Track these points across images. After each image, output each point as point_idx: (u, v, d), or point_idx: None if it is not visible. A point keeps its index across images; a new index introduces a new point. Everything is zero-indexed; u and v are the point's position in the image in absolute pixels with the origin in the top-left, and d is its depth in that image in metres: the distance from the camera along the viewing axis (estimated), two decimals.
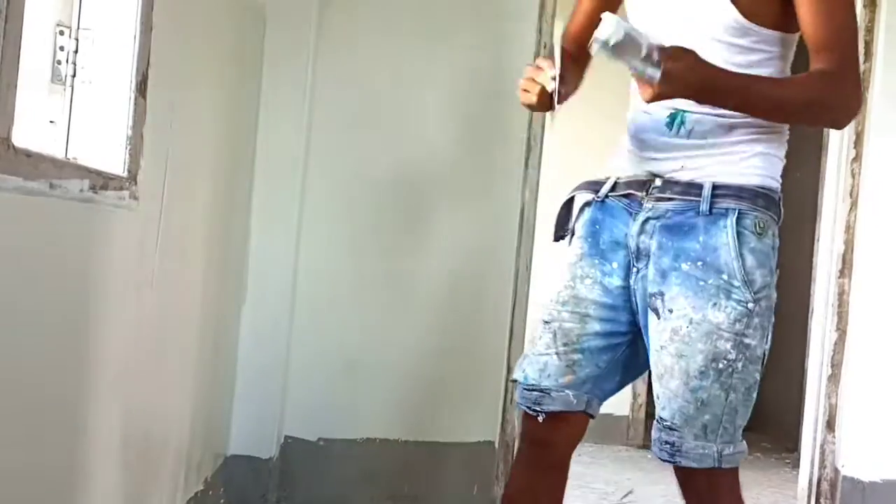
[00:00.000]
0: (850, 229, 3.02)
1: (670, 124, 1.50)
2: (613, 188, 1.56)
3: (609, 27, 1.33)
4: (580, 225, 1.60)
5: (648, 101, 1.40)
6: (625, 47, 1.35)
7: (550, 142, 3.06)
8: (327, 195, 2.80)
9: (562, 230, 1.64)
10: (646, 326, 1.51)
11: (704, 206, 1.45)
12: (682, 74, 1.36)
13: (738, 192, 1.46)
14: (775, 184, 1.51)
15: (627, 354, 1.56)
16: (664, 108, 1.49)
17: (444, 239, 2.84)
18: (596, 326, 1.54)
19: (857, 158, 3.03)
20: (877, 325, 2.95)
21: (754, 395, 1.49)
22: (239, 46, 2.51)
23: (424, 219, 2.85)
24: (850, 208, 3.02)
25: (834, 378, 3.03)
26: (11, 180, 1.19)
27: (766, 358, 1.49)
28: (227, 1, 2.33)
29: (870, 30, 3.00)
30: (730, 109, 1.46)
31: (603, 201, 1.57)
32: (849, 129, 2.98)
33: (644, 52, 1.35)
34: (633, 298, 1.53)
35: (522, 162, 2.84)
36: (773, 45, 1.49)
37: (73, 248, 1.46)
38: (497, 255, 2.84)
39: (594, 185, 1.60)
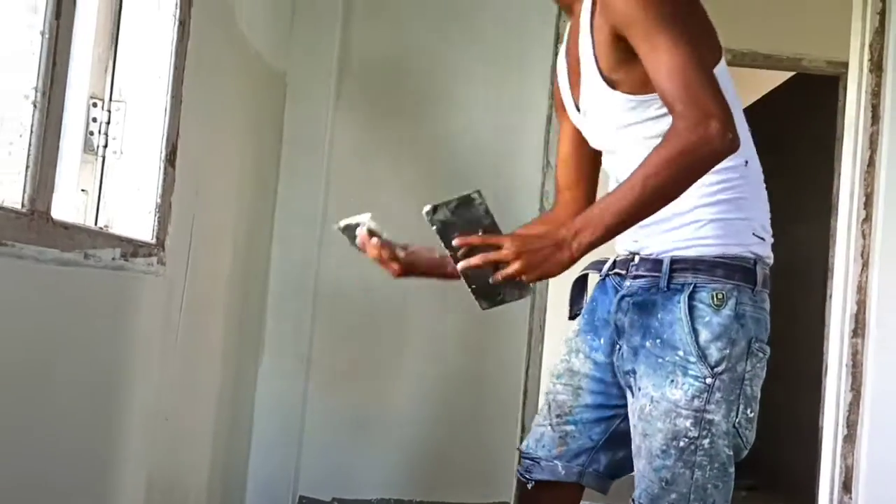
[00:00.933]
0: (862, 290, 3.03)
1: None
2: (612, 266, 1.59)
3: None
4: (587, 301, 1.64)
5: (527, 277, 1.36)
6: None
7: None
8: (343, 260, 2.84)
9: (576, 307, 1.67)
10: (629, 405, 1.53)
11: (663, 282, 1.46)
12: (525, 247, 1.33)
13: (695, 265, 1.45)
14: (740, 250, 1.46)
15: (625, 429, 1.53)
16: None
17: (456, 301, 2.87)
18: (588, 399, 1.56)
19: (868, 219, 3.06)
20: (892, 384, 2.95)
21: (731, 470, 1.45)
22: (261, 113, 2.58)
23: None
24: (862, 269, 3.04)
25: (850, 438, 3.02)
26: (50, 252, 1.24)
27: (742, 430, 1.45)
28: (249, 71, 2.40)
29: (876, 94, 3.05)
30: (614, 233, 1.41)
31: (604, 280, 1.61)
32: (858, 190, 3.01)
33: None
34: (618, 375, 1.54)
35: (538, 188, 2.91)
36: (643, 108, 1.45)
37: (104, 314, 1.50)
38: (510, 317, 2.87)
39: (599, 265, 1.63)
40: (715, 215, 1.45)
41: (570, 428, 1.56)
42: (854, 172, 3.10)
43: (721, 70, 1.46)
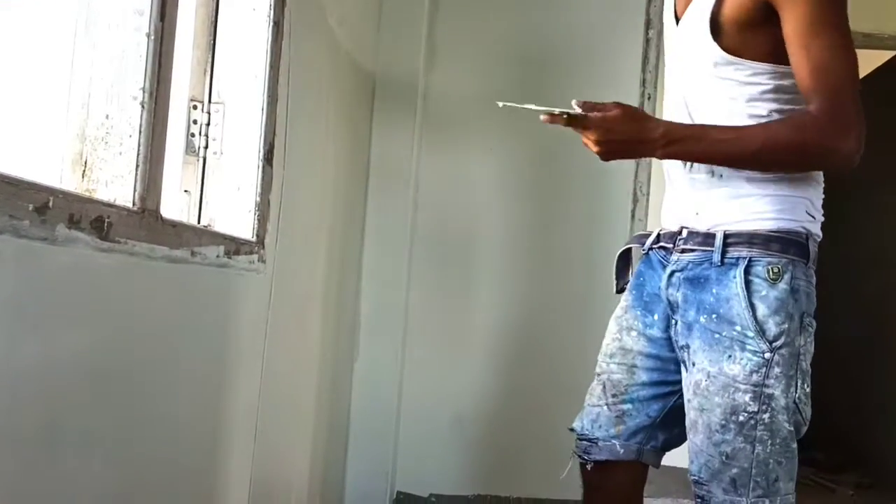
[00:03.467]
0: None
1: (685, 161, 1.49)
2: (657, 240, 1.58)
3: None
4: (632, 277, 1.64)
5: (603, 159, 1.40)
6: None
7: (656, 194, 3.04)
8: (433, 255, 2.85)
9: (622, 281, 1.67)
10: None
11: (716, 257, 1.44)
12: (606, 124, 1.34)
13: (750, 239, 1.43)
14: (795, 225, 1.44)
15: (682, 404, 1.52)
16: (688, 175, 1.50)
17: (547, 294, 2.84)
18: (643, 377, 1.57)
19: None
20: None
21: (793, 446, 1.43)
22: (352, 112, 2.61)
23: (527, 273, 2.86)
24: None
25: None
26: (160, 249, 1.27)
27: (801, 405, 1.42)
28: (340, 70, 2.42)
29: None
30: (697, 160, 1.43)
31: (647, 254, 1.60)
32: None
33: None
34: (675, 349, 1.53)
35: (629, 214, 2.84)
36: (768, 78, 1.42)
37: (211, 311, 1.53)
38: (600, 307, 2.82)
39: (642, 238, 1.63)
40: (772, 191, 1.44)
41: (626, 407, 1.57)
42: None
43: None
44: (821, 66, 1.34)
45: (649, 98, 2.80)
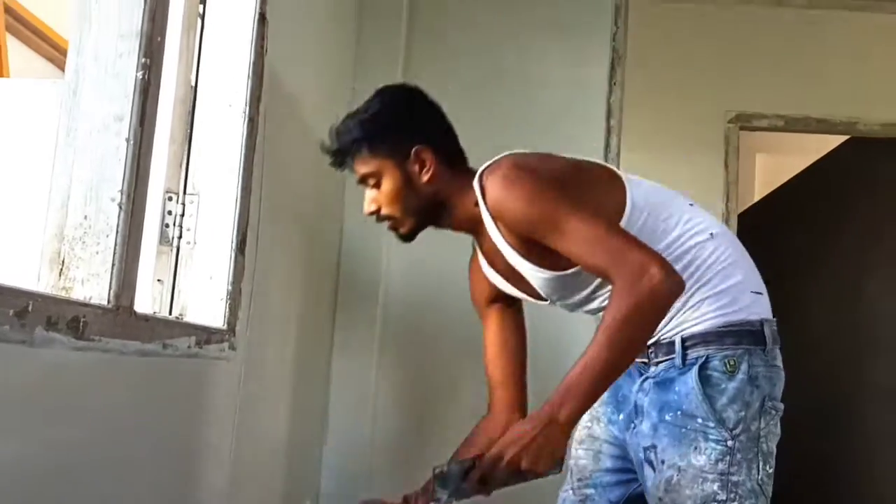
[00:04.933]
0: None
1: None
2: None
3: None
4: None
5: (538, 471, 1.41)
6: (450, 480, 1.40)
7: None
8: (403, 341, 2.87)
9: None
10: (643, 480, 1.57)
11: (678, 361, 1.51)
12: (507, 445, 1.38)
13: (705, 338, 1.50)
14: (743, 315, 1.51)
15: (642, 492, 1.58)
16: None
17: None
18: (607, 463, 1.64)
19: None
20: None
21: None
22: (324, 196, 2.67)
23: None
24: None
25: None
26: (132, 344, 1.31)
27: (764, 486, 1.48)
28: (314, 157, 2.49)
29: None
30: (594, 400, 1.45)
31: None
32: None
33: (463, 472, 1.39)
34: (629, 451, 1.60)
35: None
36: (583, 277, 1.52)
37: (181, 400, 1.56)
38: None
39: None
40: (710, 291, 1.51)
41: (590, 491, 1.65)
42: None
43: (645, 192, 1.55)
44: (586, 251, 1.42)
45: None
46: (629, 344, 1.42)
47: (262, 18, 1.86)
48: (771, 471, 1.50)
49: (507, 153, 1.59)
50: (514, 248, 1.54)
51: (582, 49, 2.97)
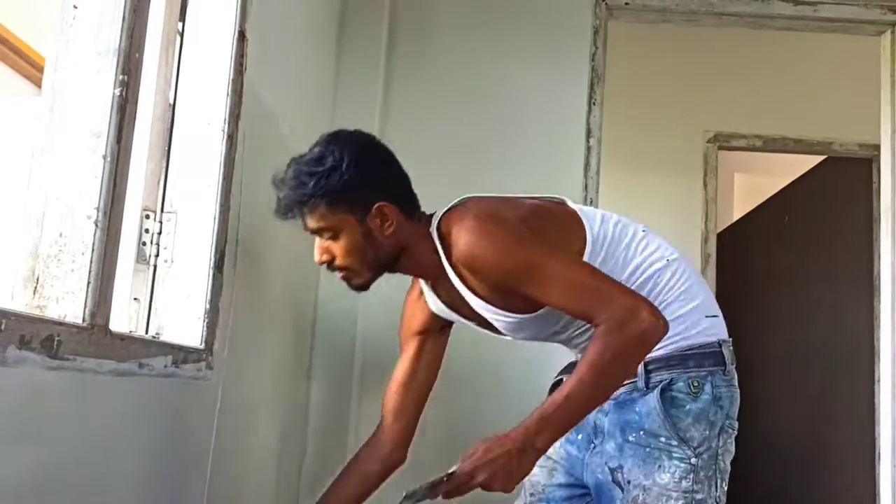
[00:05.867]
0: None
1: None
2: None
3: None
4: None
5: (508, 489, 1.43)
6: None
7: None
8: (382, 360, 2.86)
9: None
10: (598, 498, 1.59)
11: (641, 383, 1.54)
12: (479, 462, 1.39)
13: (668, 362, 1.53)
14: (702, 338, 1.54)
15: None
16: None
17: (494, 409, 2.83)
18: (560, 478, 1.67)
19: None
20: None
21: None
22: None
23: (474, 382, 2.89)
24: None
25: None
26: (107, 363, 1.29)
27: (721, 503, 1.53)
28: None
29: None
30: (568, 429, 1.48)
31: None
32: None
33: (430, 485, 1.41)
34: (583, 471, 1.62)
35: None
36: (553, 315, 1.54)
37: (158, 421, 1.54)
38: None
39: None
40: (670, 316, 1.51)
41: None
42: (895, 253, 3.09)
43: (601, 225, 1.57)
44: (569, 297, 1.43)
45: (591, 202, 2.90)
46: (612, 382, 1.45)
47: (241, 36, 1.85)
48: (725, 487, 1.54)
49: (465, 198, 1.58)
50: (479, 296, 1.55)
51: (561, 69, 2.99)
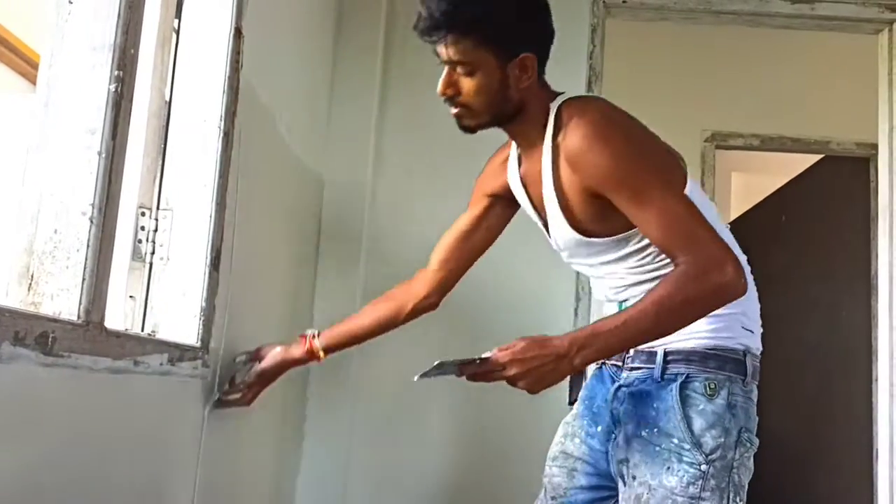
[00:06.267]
0: None
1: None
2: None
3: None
4: (583, 388, 1.70)
5: (532, 391, 1.40)
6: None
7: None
8: (380, 357, 2.85)
9: (574, 393, 1.73)
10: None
11: (657, 373, 1.50)
12: (516, 357, 1.36)
13: (688, 357, 1.49)
14: (730, 342, 1.50)
15: None
16: (615, 301, 1.58)
17: (496, 409, 2.81)
18: (582, 480, 1.62)
19: None
20: None
21: None
22: (301, 216, 2.65)
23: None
24: None
25: None
26: (102, 361, 1.28)
27: None
28: (289, 174, 2.48)
29: None
30: (611, 356, 1.47)
31: (600, 368, 1.67)
32: None
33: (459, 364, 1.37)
34: (610, 463, 1.57)
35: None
36: (622, 246, 1.50)
37: (153, 419, 1.53)
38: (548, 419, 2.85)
39: None
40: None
41: None
42: (892, 253, 3.09)
43: (695, 192, 1.50)
44: (665, 226, 1.39)
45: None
46: (673, 325, 1.41)
47: (237, 33, 1.84)
48: (741, 503, 1.48)
49: (593, 95, 1.50)
50: (559, 194, 1.49)
51: (559, 68, 2.97)
